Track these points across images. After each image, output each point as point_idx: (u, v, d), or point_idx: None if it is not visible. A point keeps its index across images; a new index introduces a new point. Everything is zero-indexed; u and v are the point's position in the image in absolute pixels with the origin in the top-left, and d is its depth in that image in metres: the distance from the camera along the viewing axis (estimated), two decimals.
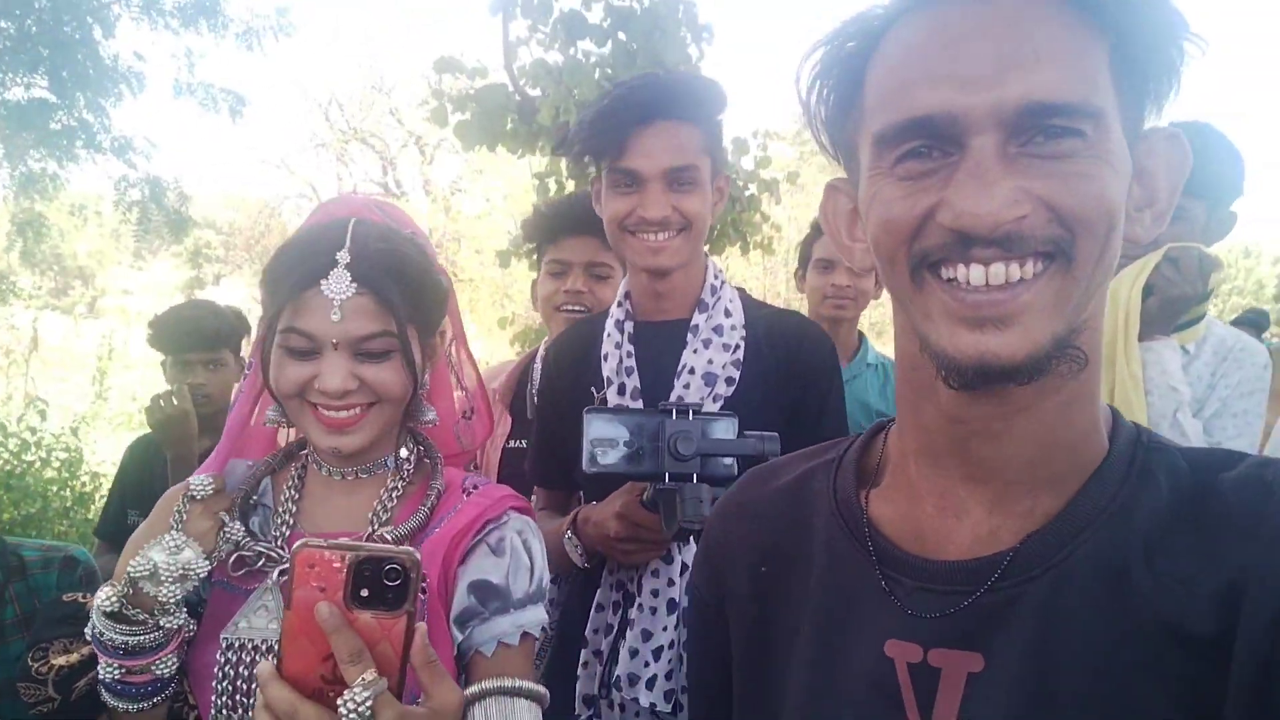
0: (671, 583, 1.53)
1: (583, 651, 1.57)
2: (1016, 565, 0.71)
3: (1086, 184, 0.63)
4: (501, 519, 1.25)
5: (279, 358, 1.18)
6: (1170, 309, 1.91)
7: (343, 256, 1.15)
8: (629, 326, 1.68)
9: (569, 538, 1.57)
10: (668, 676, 1.50)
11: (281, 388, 1.19)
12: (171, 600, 1.10)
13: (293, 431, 1.37)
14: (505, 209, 17.46)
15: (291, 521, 1.25)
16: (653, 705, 1.48)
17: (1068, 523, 0.71)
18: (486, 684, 1.14)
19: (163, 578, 1.08)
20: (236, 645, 1.14)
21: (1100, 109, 0.64)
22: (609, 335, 1.67)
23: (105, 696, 1.14)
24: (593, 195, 1.72)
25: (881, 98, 0.70)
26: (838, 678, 0.78)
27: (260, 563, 1.19)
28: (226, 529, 1.18)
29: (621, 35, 5.78)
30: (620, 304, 1.71)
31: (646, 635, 1.52)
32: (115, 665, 1.11)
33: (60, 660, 1.18)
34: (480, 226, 17.72)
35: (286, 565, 1.13)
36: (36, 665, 1.19)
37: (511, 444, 2.19)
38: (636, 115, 1.53)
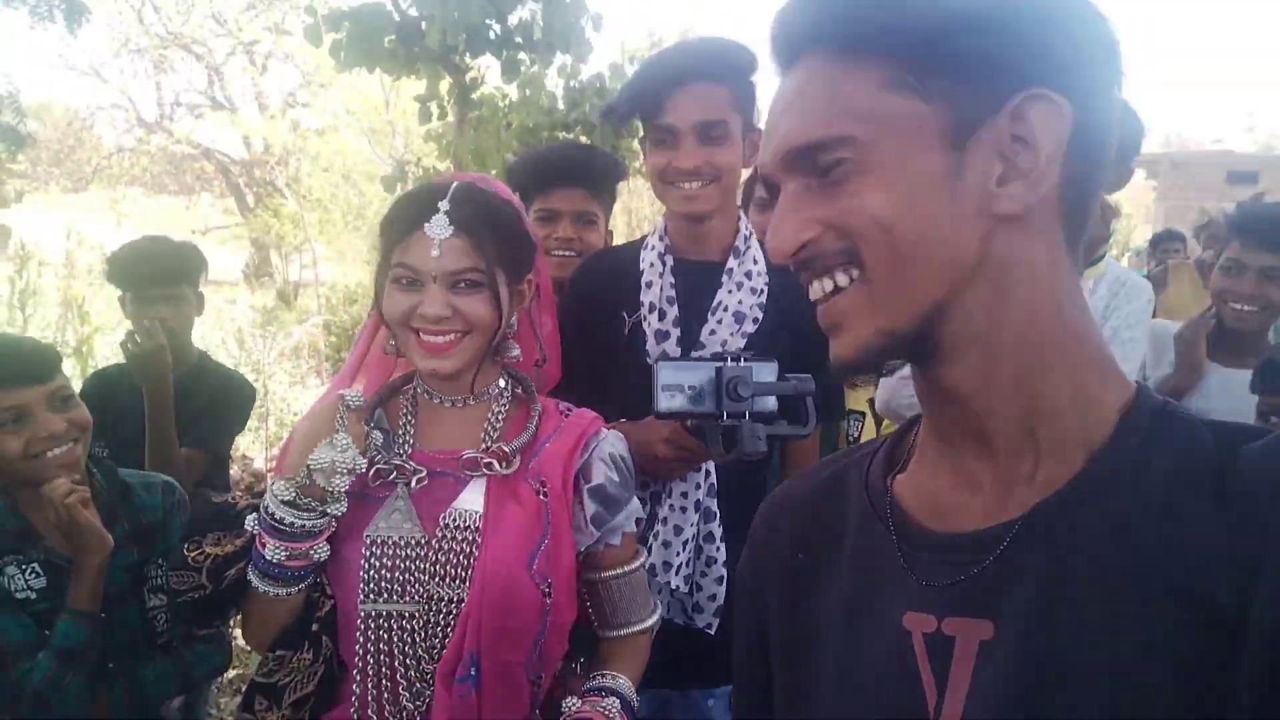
0: (697, 486, 1.79)
1: None
2: (1024, 532, 0.73)
3: (853, 200, 0.72)
4: (600, 435, 1.52)
5: (390, 290, 1.40)
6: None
7: (444, 205, 1.38)
8: (669, 260, 1.87)
9: None
10: (687, 564, 1.78)
11: (390, 315, 1.40)
12: (340, 490, 1.31)
13: (398, 370, 1.59)
14: (352, 125, 16.72)
15: (412, 441, 1.47)
16: (677, 588, 1.76)
17: (1077, 490, 0.73)
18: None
19: (337, 470, 1.29)
20: (380, 540, 1.37)
21: (846, 135, 0.71)
22: (651, 265, 1.85)
23: (257, 582, 1.33)
24: (642, 153, 1.91)
25: None
26: (863, 654, 0.81)
27: (393, 474, 1.41)
28: (370, 434, 1.39)
29: None
30: (661, 238, 1.89)
31: (677, 530, 1.78)
32: (283, 548, 1.30)
33: (214, 550, 1.37)
34: (325, 143, 16.89)
35: (421, 474, 1.41)
36: (192, 554, 1.37)
37: None
38: (671, 77, 1.72)
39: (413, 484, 1.41)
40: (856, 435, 2.40)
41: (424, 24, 5.97)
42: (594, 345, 1.86)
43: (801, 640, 0.89)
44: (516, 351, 1.54)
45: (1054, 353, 0.74)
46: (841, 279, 0.74)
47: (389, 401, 1.54)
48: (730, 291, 1.82)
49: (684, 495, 1.79)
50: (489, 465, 1.42)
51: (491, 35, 6.24)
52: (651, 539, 1.79)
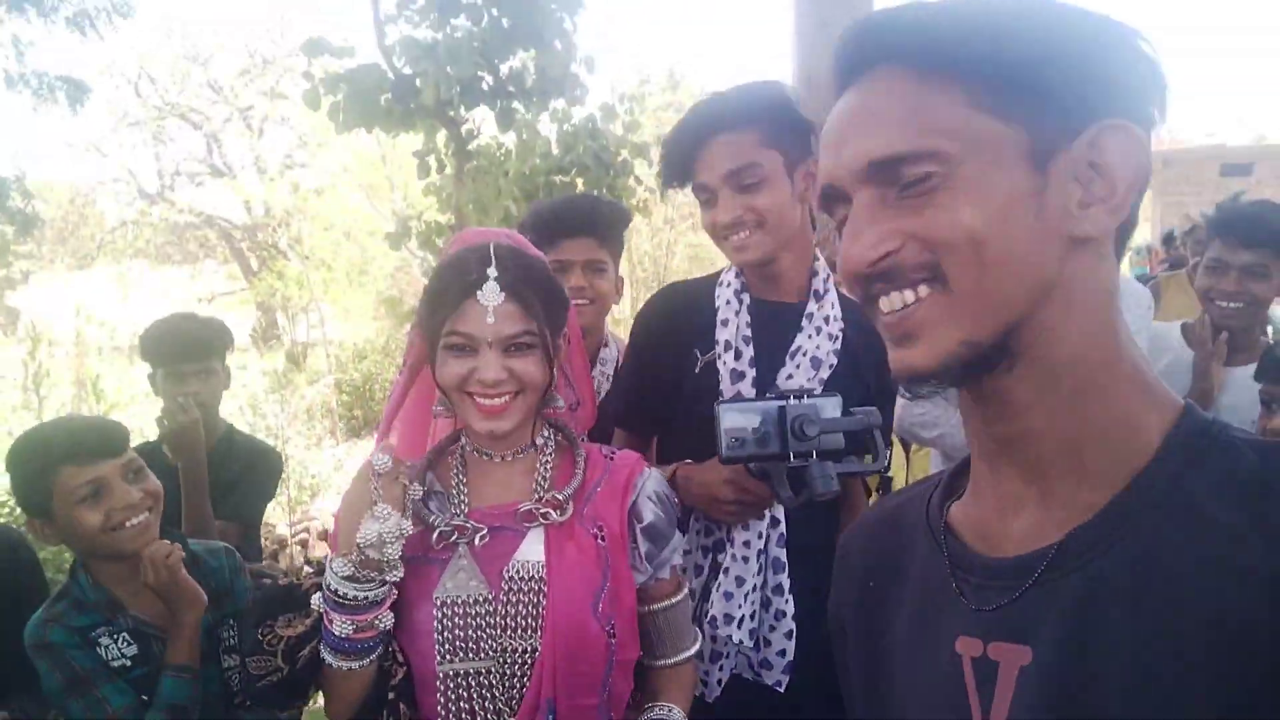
0: (760, 535, 1.73)
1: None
2: (1061, 558, 0.74)
3: (943, 214, 0.72)
4: (643, 474, 1.56)
5: (443, 357, 1.43)
6: None
7: (492, 272, 1.41)
8: (745, 299, 1.82)
9: None
10: (752, 617, 1.72)
11: (445, 381, 1.43)
12: (394, 556, 1.33)
13: (438, 430, 1.63)
14: (349, 182, 16.93)
15: (467, 499, 1.50)
16: (740, 642, 1.70)
17: (1113, 515, 0.73)
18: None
19: (385, 540, 1.31)
20: (449, 601, 1.40)
21: (936, 149, 0.72)
22: (727, 303, 1.81)
23: (330, 658, 1.35)
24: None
25: None
26: (923, 677, 0.83)
27: (454, 535, 1.44)
28: (410, 490, 1.39)
29: (494, 11, 5.86)
30: (738, 275, 1.85)
31: (739, 581, 1.72)
32: (349, 622, 1.32)
33: (286, 632, 1.39)
34: (324, 203, 17.09)
35: (482, 531, 1.44)
36: (266, 638, 1.39)
37: None
38: (694, 138, 1.72)
39: (476, 541, 1.44)
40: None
41: (418, 81, 6.06)
42: (663, 380, 1.84)
43: (878, 668, 0.91)
44: (561, 402, 1.57)
45: (1106, 374, 0.75)
46: (922, 291, 0.74)
47: (438, 463, 1.57)
48: (810, 336, 1.79)
49: (746, 545, 1.74)
50: (545, 515, 1.45)
51: (484, 86, 6.33)
52: (714, 589, 1.74)
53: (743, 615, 1.71)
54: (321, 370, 12.65)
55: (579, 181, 6.71)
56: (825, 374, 1.76)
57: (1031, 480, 0.78)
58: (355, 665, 1.36)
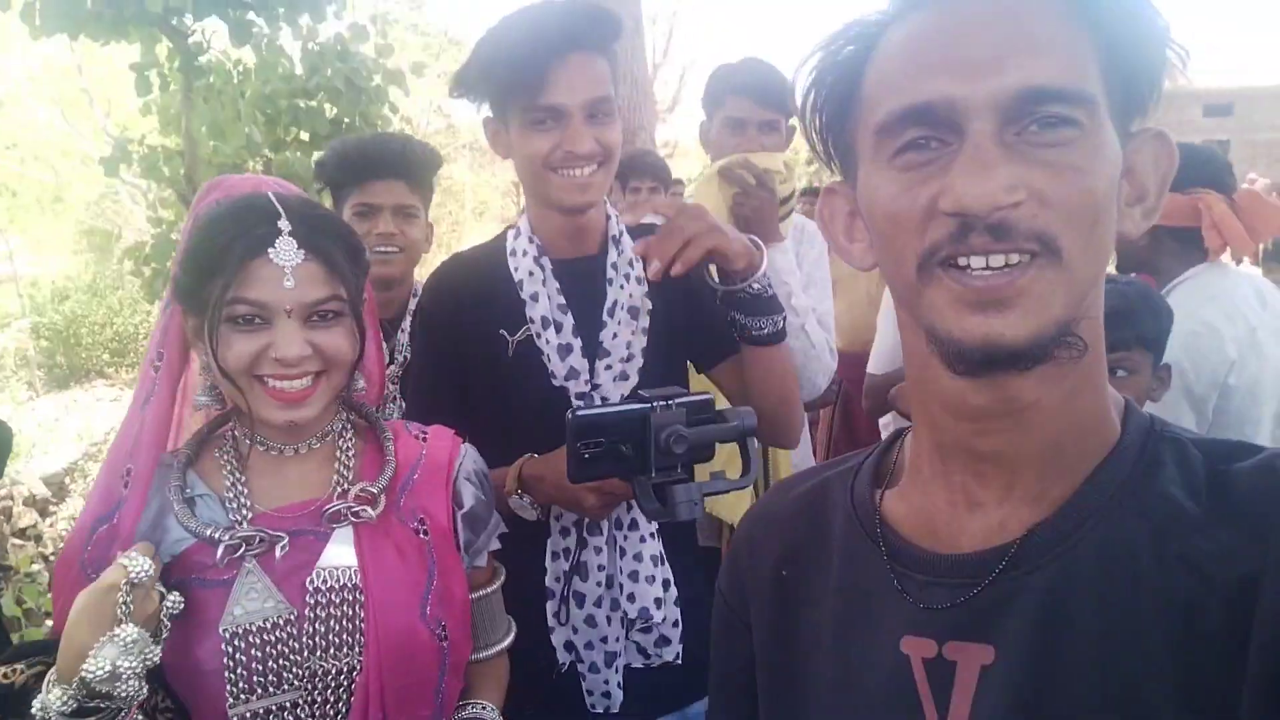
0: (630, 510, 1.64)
1: (550, 603, 1.63)
2: (1023, 554, 0.71)
3: (1078, 177, 0.65)
4: (462, 452, 1.39)
5: (226, 334, 1.17)
6: (761, 221, 2.21)
7: (284, 225, 1.17)
8: (547, 264, 1.65)
9: (519, 497, 1.57)
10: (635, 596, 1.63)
11: (232, 364, 1.17)
12: (136, 688, 1.04)
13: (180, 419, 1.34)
14: (37, 95, 14.68)
15: (249, 504, 1.24)
16: (649, 617, 1.62)
17: (1074, 510, 0.71)
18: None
19: (125, 676, 1.02)
20: (240, 632, 1.17)
21: (1094, 98, 0.65)
22: (530, 275, 1.63)
23: None
24: (488, 137, 1.67)
25: (882, 91, 0.72)
26: (857, 678, 0.79)
27: (241, 549, 1.20)
28: (167, 601, 1.12)
29: None
30: (531, 240, 1.66)
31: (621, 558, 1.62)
32: None
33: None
34: (4, 118, 14.72)
35: (283, 540, 1.21)
36: None
37: None
38: (553, 48, 1.49)
39: (278, 552, 1.21)
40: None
41: None
42: (471, 374, 1.66)
43: (790, 660, 0.86)
44: (362, 384, 1.34)
45: (1098, 367, 0.74)
46: (1024, 257, 0.66)
47: (200, 458, 1.29)
48: (621, 286, 1.66)
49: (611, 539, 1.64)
50: (359, 513, 1.24)
51: None
52: (583, 587, 1.63)
53: (630, 592, 1.62)
54: (13, 312, 11.05)
55: (327, 106, 6.22)
56: (645, 322, 1.66)
57: (993, 476, 0.75)
58: None
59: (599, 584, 1.63)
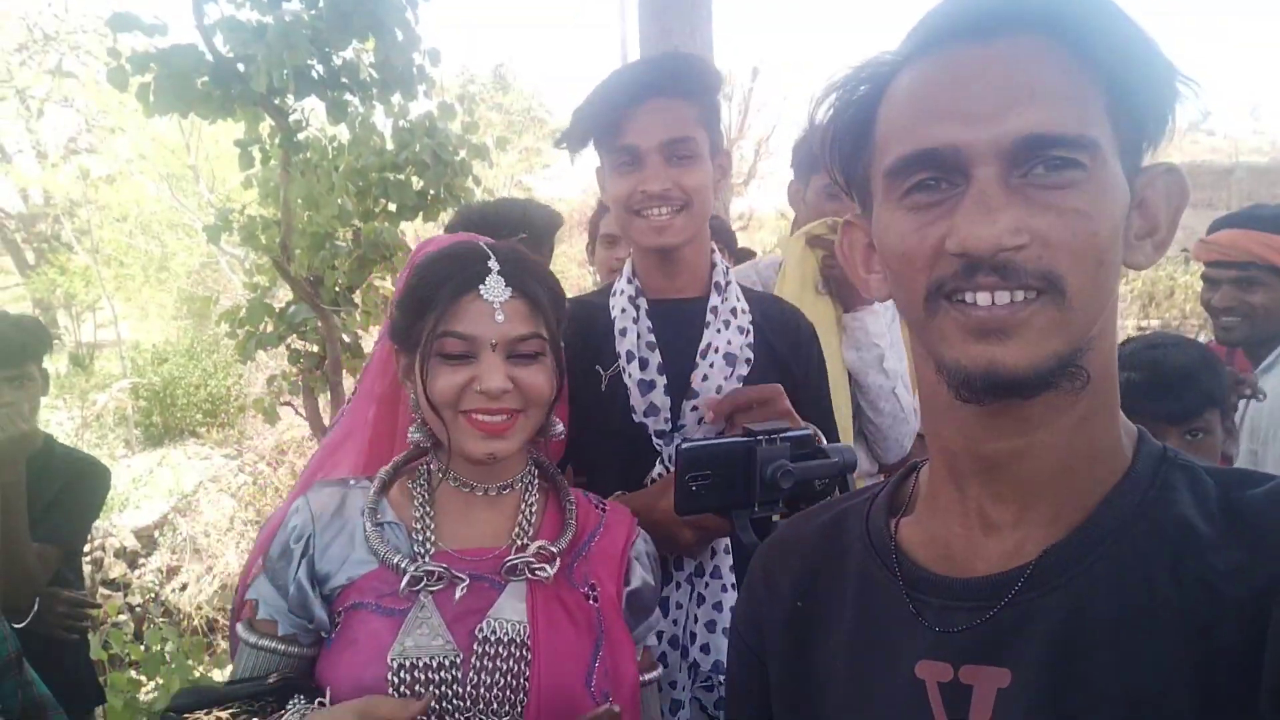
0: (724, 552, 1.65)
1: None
2: (1038, 576, 0.73)
3: (1081, 220, 0.68)
4: (639, 532, 1.39)
5: (434, 368, 1.22)
6: (850, 284, 2.12)
7: (493, 264, 1.24)
8: (642, 303, 1.69)
9: None
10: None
11: (439, 396, 1.22)
12: None
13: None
14: (146, 170, 15.61)
15: (433, 539, 1.27)
16: (706, 665, 1.60)
17: (1089, 533, 0.73)
18: None
19: None
20: (408, 665, 1.17)
21: (1096, 141, 0.68)
22: (623, 311, 1.68)
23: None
24: (599, 183, 1.75)
25: (892, 134, 0.75)
26: (872, 704, 0.79)
27: (422, 583, 1.21)
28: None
29: None
30: (630, 281, 1.72)
31: (718, 607, 1.62)
32: None
33: None
34: (116, 192, 15.67)
35: (463, 582, 1.22)
36: None
37: None
38: (631, 95, 1.58)
39: (457, 594, 1.21)
40: None
41: (242, 66, 5.68)
42: (572, 408, 1.69)
43: (806, 690, 0.86)
44: (560, 429, 1.36)
45: (1110, 395, 0.76)
46: (1029, 294, 0.69)
47: (392, 486, 1.33)
48: (719, 331, 1.68)
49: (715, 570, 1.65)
50: (538, 570, 1.24)
51: (315, 76, 6.02)
52: (662, 624, 1.62)
53: (705, 643, 1.61)
54: (115, 374, 11.61)
55: (414, 179, 6.50)
56: (743, 370, 1.67)
57: (1008, 500, 0.76)
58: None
59: (675, 622, 1.61)
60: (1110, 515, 0.73)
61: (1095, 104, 0.69)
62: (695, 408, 1.63)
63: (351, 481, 1.33)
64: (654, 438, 1.63)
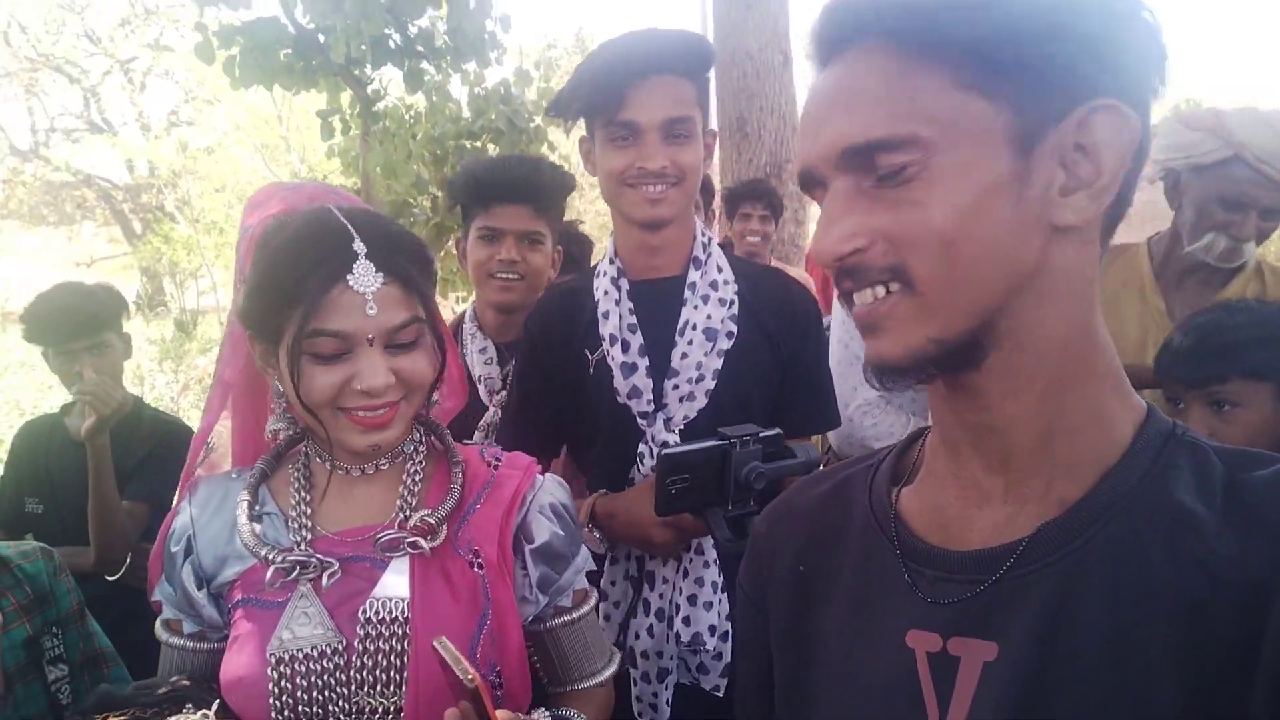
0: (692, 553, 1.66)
1: (602, 604, 1.66)
2: (1031, 552, 0.72)
3: (914, 211, 0.68)
4: (535, 485, 1.30)
5: (306, 367, 1.11)
6: None
7: (359, 247, 1.10)
8: (624, 284, 1.69)
9: (588, 530, 1.62)
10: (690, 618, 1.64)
11: (315, 398, 1.12)
12: None
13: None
14: (243, 141, 16.18)
15: (310, 525, 1.20)
16: (689, 641, 1.62)
17: (1085, 510, 0.72)
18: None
19: None
20: (286, 657, 1.12)
21: (914, 135, 0.68)
22: (605, 294, 1.68)
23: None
24: (582, 155, 1.74)
25: None
26: (864, 670, 0.80)
27: (294, 572, 1.15)
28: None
29: None
30: (612, 261, 1.71)
31: (670, 581, 1.64)
32: None
33: None
34: (215, 163, 16.28)
35: (333, 568, 1.16)
36: None
37: None
38: (633, 70, 1.56)
39: (325, 580, 1.14)
40: None
41: (322, 37, 5.82)
42: (557, 393, 1.71)
43: (803, 653, 0.88)
44: (436, 397, 1.29)
45: (1083, 367, 0.74)
46: (887, 290, 0.70)
47: (274, 475, 1.25)
48: (696, 307, 1.67)
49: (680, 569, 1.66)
50: (413, 544, 1.16)
51: (392, 45, 6.13)
52: (649, 595, 1.66)
53: (685, 615, 1.65)
54: (215, 339, 12.14)
55: (490, 147, 6.57)
56: (725, 345, 1.65)
57: (998, 471, 0.76)
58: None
59: (661, 595, 1.65)
60: (1108, 493, 0.72)
61: (929, 90, 0.68)
62: (676, 386, 1.63)
63: (234, 475, 1.27)
64: (638, 419, 1.63)
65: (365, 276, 1.09)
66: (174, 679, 1.18)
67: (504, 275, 2.09)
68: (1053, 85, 0.69)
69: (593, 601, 1.36)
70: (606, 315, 1.66)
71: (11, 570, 1.71)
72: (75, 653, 1.73)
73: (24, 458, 2.38)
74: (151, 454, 2.37)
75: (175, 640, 1.23)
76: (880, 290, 0.70)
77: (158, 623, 1.25)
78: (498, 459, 1.30)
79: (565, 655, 1.30)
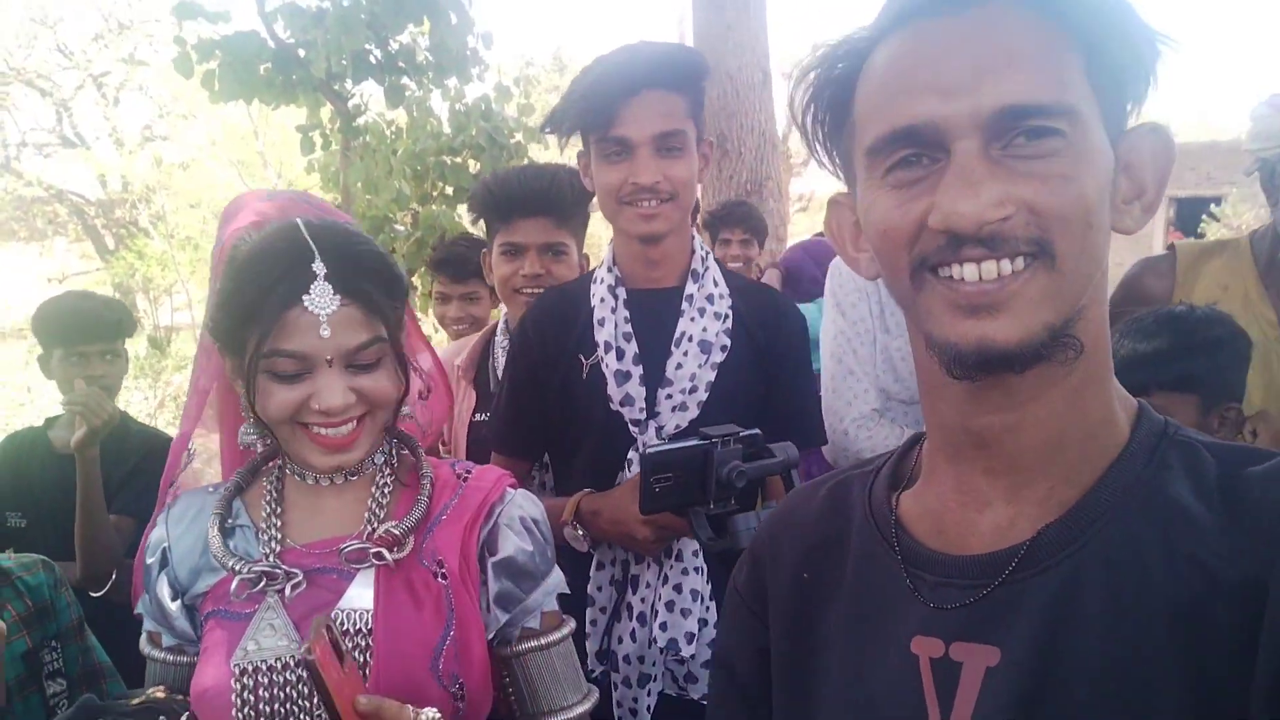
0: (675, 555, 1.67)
1: (589, 609, 1.68)
2: (1030, 557, 0.72)
3: (1066, 185, 0.66)
4: (504, 498, 1.29)
5: (265, 384, 1.13)
6: None
7: (319, 267, 1.11)
8: (621, 293, 1.70)
9: (572, 528, 1.63)
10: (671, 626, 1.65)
11: (273, 414, 1.14)
12: None
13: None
14: (218, 157, 16.08)
15: (280, 536, 1.21)
16: (666, 647, 1.64)
17: (1083, 513, 0.71)
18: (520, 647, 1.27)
19: None
20: (250, 669, 1.13)
21: (1074, 107, 0.66)
22: (602, 301, 1.69)
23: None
24: (580, 171, 1.75)
25: (870, 113, 0.73)
26: (867, 676, 0.79)
27: (260, 583, 1.17)
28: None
29: None
30: (610, 269, 1.72)
31: (656, 589, 1.65)
32: None
33: None
34: (190, 178, 16.17)
35: (296, 579, 1.17)
36: None
37: (477, 418, 2.20)
38: (624, 86, 1.57)
39: (288, 591, 1.16)
40: None
41: (303, 51, 5.81)
42: (547, 394, 1.72)
43: (804, 660, 0.87)
44: (409, 411, 1.31)
45: (1103, 368, 0.75)
46: (1016, 264, 0.67)
47: (250, 487, 1.27)
48: (693, 319, 1.68)
49: (662, 574, 1.67)
50: (378, 555, 1.17)
51: (372, 60, 6.13)
52: (632, 599, 1.67)
53: (663, 621, 1.64)
54: (189, 356, 12.03)
55: (471, 163, 6.57)
56: (719, 358, 1.67)
57: (1001, 475, 0.76)
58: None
59: (644, 600, 1.65)
60: (1105, 494, 0.71)
61: (1073, 68, 0.68)
62: (669, 396, 1.65)
63: (210, 489, 1.28)
64: (630, 426, 1.66)
65: (322, 298, 1.10)
66: (149, 691, 1.20)
67: (529, 291, 2.07)
68: (1127, 97, 0.71)
69: (566, 630, 1.32)
70: (602, 322, 1.68)
71: (12, 582, 1.71)
72: (74, 667, 1.72)
73: (6, 471, 2.36)
74: (138, 468, 2.36)
75: (156, 654, 1.24)
76: (1020, 262, 0.67)
77: (142, 636, 1.27)
78: (468, 472, 1.31)
79: (534, 684, 1.28)
